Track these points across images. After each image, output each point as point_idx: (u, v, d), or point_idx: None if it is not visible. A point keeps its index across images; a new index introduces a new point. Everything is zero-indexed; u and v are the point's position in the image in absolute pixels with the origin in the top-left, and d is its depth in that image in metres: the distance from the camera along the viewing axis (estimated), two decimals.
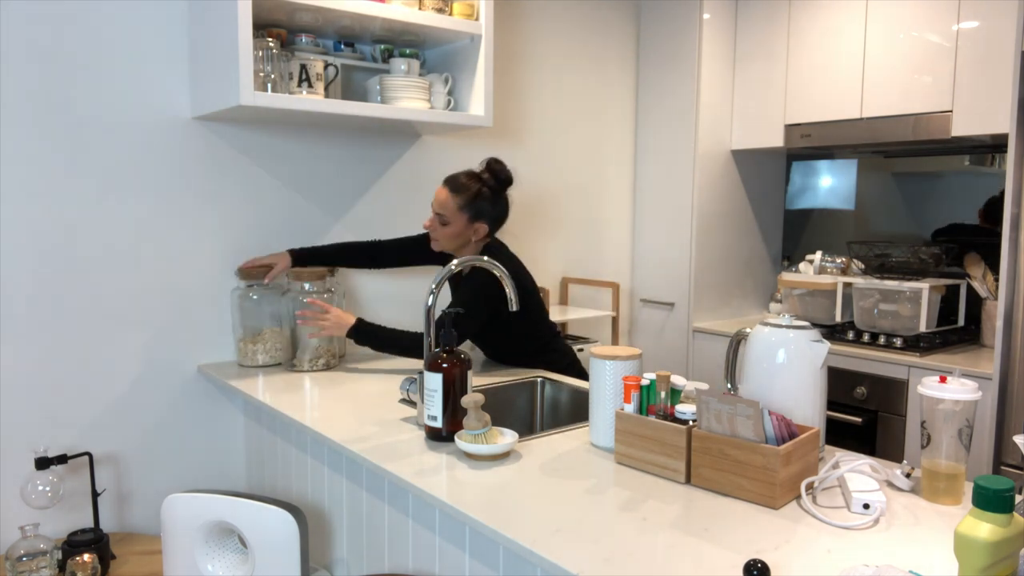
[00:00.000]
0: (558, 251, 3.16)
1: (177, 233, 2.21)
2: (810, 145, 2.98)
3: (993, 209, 2.84)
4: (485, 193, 2.15)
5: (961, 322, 2.71)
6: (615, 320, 3.05)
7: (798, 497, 1.27)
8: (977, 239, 2.84)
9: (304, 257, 2.29)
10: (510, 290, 1.76)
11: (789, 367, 1.38)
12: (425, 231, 2.23)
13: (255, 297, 2.24)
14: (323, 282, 2.26)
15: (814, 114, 2.92)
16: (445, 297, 2.79)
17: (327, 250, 2.34)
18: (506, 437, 1.51)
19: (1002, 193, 2.83)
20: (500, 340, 2.29)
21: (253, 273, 2.25)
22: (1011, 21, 2.36)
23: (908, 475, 1.32)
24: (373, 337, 2.09)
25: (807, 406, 1.38)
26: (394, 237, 2.48)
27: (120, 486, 2.17)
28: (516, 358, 2.30)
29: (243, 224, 2.33)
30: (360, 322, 2.09)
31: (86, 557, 1.73)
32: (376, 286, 2.63)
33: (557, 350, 2.30)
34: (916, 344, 2.58)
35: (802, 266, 2.96)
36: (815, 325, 2.85)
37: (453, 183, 2.15)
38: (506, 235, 3.01)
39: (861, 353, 2.59)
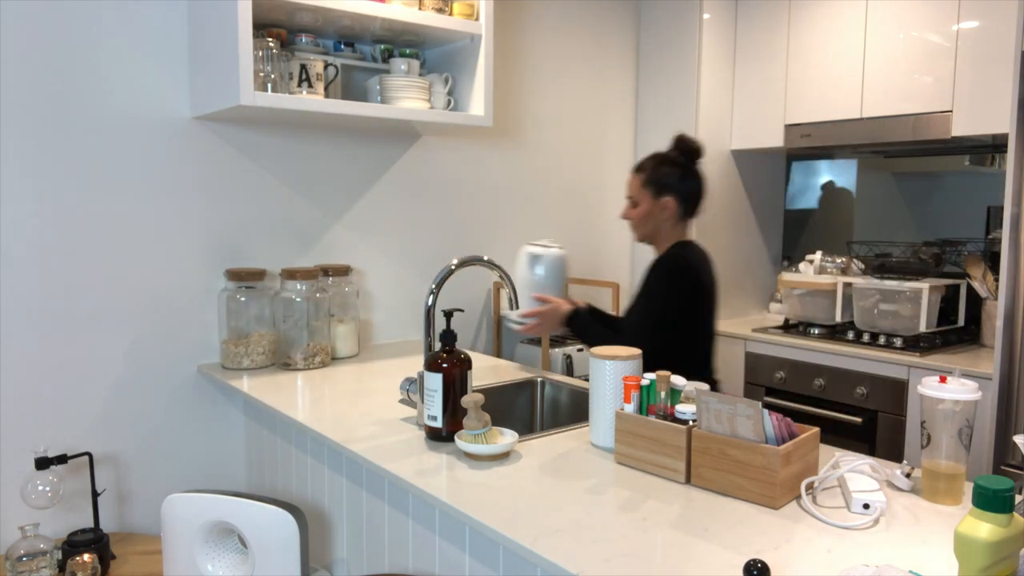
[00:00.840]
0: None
1: (177, 233, 2.21)
2: (810, 145, 2.98)
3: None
4: (667, 165, 2.03)
5: (961, 322, 2.71)
6: None
7: (798, 497, 1.27)
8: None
9: (582, 321, 2.07)
10: (509, 290, 1.76)
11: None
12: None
13: (242, 299, 2.22)
14: (316, 282, 2.27)
15: (814, 114, 2.92)
16: (446, 297, 2.79)
17: (607, 319, 2.18)
18: (506, 437, 1.51)
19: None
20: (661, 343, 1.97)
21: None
22: (1011, 21, 2.36)
23: (908, 475, 1.32)
24: (586, 332, 2.01)
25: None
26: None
27: (120, 486, 2.17)
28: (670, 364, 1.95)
29: (243, 224, 2.33)
30: (574, 312, 2.02)
31: (86, 557, 1.73)
32: (387, 287, 2.63)
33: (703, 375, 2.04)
34: (916, 344, 2.58)
35: (802, 266, 2.96)
36: (815, 325, 2.86)
37: (637, 165, 2.07)
38: (506, 232, 3.01)
39: (861, 353, 2.59)
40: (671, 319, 1.95)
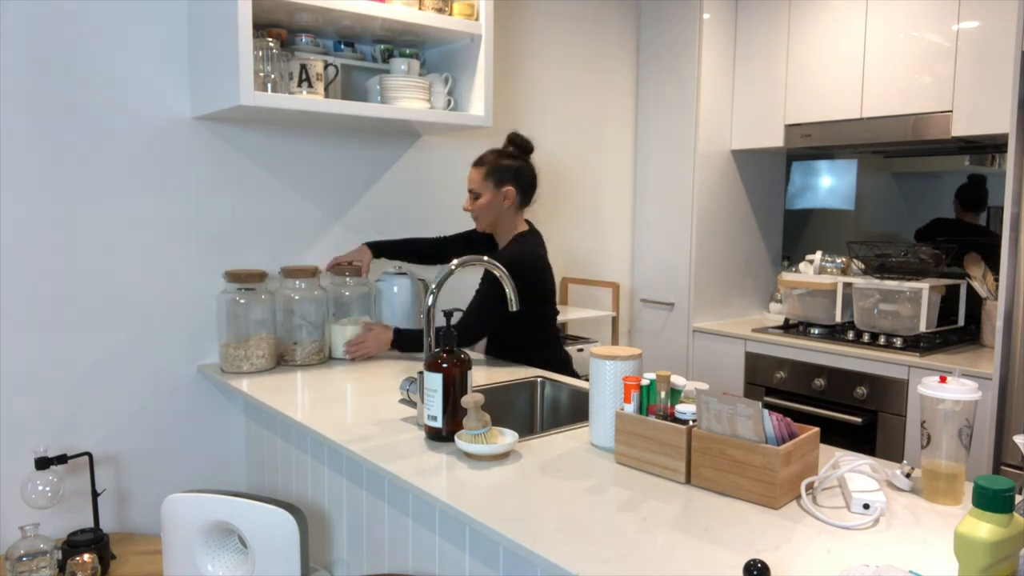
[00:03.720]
0: (558, 251, 3.16)
1: (178, 233, 2.21)
2: (810, 145, 2.98)
3: (968, 199, 2.86)
4: (505, 160, 2.23)
5: (961, 322, 2.71)
6: (615, 320, 3.05)
7: (798, 497, 1.27)
8: (962, 235, 2.85)
9: (380, 249, 2.43)
10: (509, 290, 1.76)
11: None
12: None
13: (242, 301, 2.21)
14: (315, 279, 2.27)
15: (814, 114, 2.92)
16: (446, 297, 2.79)
17: (398, 244, 2.47)
18: (506, 437, 1.51)
19: (970, 179, 2.86)
20: (502, 329, 2.30)
21: (340, 271, 2.35)
22: (1011, 21, 2.36)
23: (908, 475, 1.32)
24: (414, 342, 2.27)
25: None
26: (457, 232, 2.58)
27: (120, 486, 2.17)
28: (510, 352, 2.33)
29: (244, 224, 2.33)
30: (397, 333, 2.26)
31: (86, 557, 1.73)
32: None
33: (552, 350, 2.32)
34: (916, 344, 2.58)
35: (802, 266, 2.96)
36: (815, 325, 2.86)
37: (477, 159, 2.26)
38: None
39: (861, 353, 2.59)
40: (500, 319, 2.15)
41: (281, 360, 2.26)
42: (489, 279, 2.18)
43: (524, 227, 2.30)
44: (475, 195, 2.24)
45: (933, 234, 2.98)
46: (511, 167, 2.23)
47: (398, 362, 2.35)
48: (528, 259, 2.19)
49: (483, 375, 2.16)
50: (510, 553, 1.25)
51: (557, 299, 3.18)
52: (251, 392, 1.97)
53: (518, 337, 2.29)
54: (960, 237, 2.87)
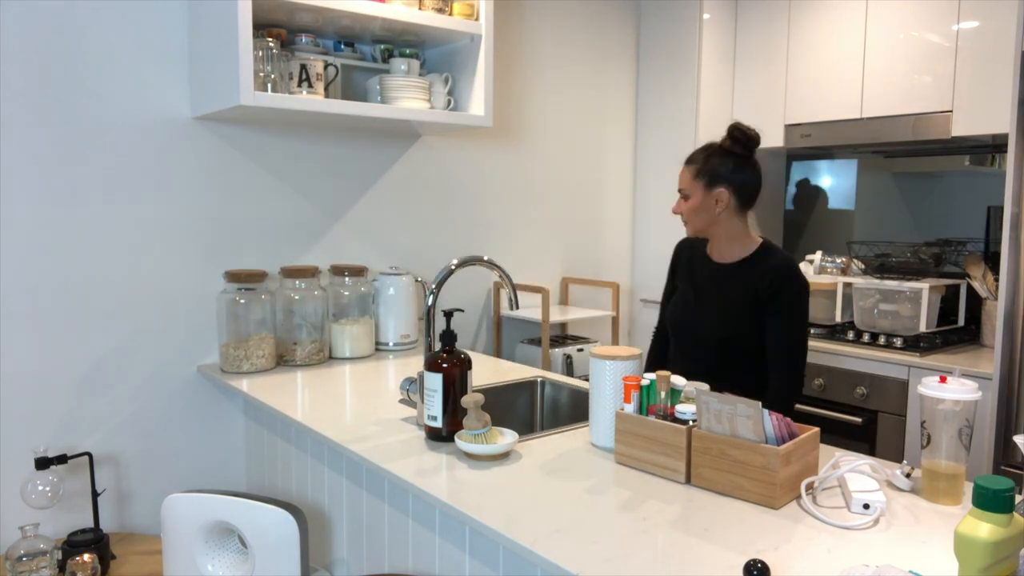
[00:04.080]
0: (558, 251, 3.16)
1: (177, 233, 2.21)
2: (810, 145, 2.98)
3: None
4: (719, 155, 1.89)
5: (961, 322, 2.71)
6: (615, 320, 3.05)
7: (798, 497, 1.27)
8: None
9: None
10: (509, 289, 1.76)
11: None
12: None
13: (242, 301, 2.21)
14: (315, 279, 2.27)
15: (814, 114, 2.92)
16: (446, 297, 2.79)
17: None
18: (506, 437, 1.51)
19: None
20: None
21: None
22: (1011, 21, 2.36)
23: (908, 475, 1.32)
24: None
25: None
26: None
27: (120, 486, 2.17)
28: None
29: (244, 224, 2.33)
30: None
31: (86, 557, 1.73)
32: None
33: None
34: (916, 344, 2.58)
35: (802, 266, 2.96)
36: (815, 325, 2.86)
37: (689, 157, 1.94)
38: (506, 232, 3.01)
39: (861, 353, 2.59)
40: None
41: (281, 360, 2.26)
42: (796, 291, 1.81)
43: (753, 233, 1.97)
44: (684, 195, 1.91)
45: None
46: (728, 166, 1.87)
47: (398, 362, 2.35)
48: (800, 274, 1.85)
49: (483, 375, 2.16)
50: (510, 553, 1.25)
51: (558, 299, 3.18)
52: (251, 392, 1.97)
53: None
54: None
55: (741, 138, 1.89)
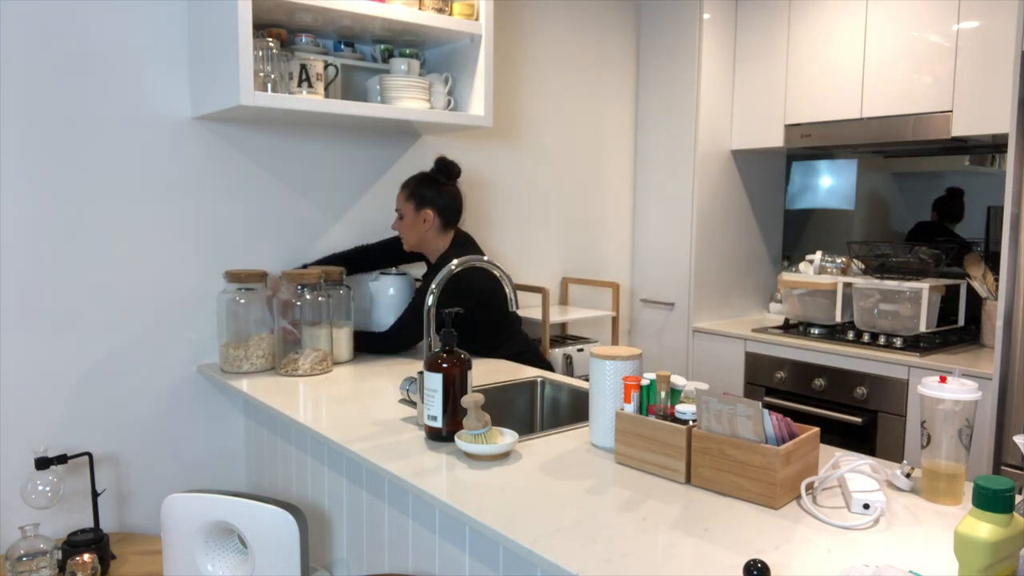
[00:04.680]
0: (558, 251, 3.16)
1: (178, 232, 2.21)
2: (810, 145, 2.98)
3: (945, 208, 2.90)
4: (425, 183, 2.32)
5: (961, 322, 2.71)
6: (615, 320, 3.05)
7: (798, 497, 1.27)
8: (938, 237, 2.88)
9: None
10: (509, 290, 1.76)
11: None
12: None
13: (242, 301, 2.20)
14: (317, 285, 2.26)
15: (814, 114, 2.92)
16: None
17: (329, 260, 2.47)
18: (506, 437, 1.51)
19: (948, 192, 2.88)
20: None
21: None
22: (1011, 21, 2.36)
23: (908, 475, 1.32)
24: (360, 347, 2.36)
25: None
26: (377, 241, 2.58)
27: (120, 486, 2.17)
28: (473, 349, 2.35)
29: (243, 224, 2.33)
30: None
31: (86, 557, 1.73)
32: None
33: (514, 342, 2.41)
34: (916, 344, 2.58)
35: (802, 266, 2.96)
36: (815, 325, 2.86)
37: (404, 183, 2.36)
38: (506, 232, 3.01)
39: (861, 353, 2.59)
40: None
41: (281, 373, 2.20)
42: (422, 291, 2.30)
43: (445, 246, 2.35)
44: (399, 215, 2.34)
45: (918, 238, 3.01)
46: (432, 191, 2.31)
47: (398, 362, 2.35)
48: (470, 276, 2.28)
49: (483, 375, 2.16)
50: (510, 553, 1.25)
51: (558, 299, 3.18)
52: (251, 392, 1.97)
53: (480, 343, 2.36)
54: (941, 242, 2.89)
55: (444, 168, 2.36)
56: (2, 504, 1.99)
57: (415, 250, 2.39)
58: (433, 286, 1.68)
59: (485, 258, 1.76)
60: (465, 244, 2.37)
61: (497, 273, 1.76)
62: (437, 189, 2.32)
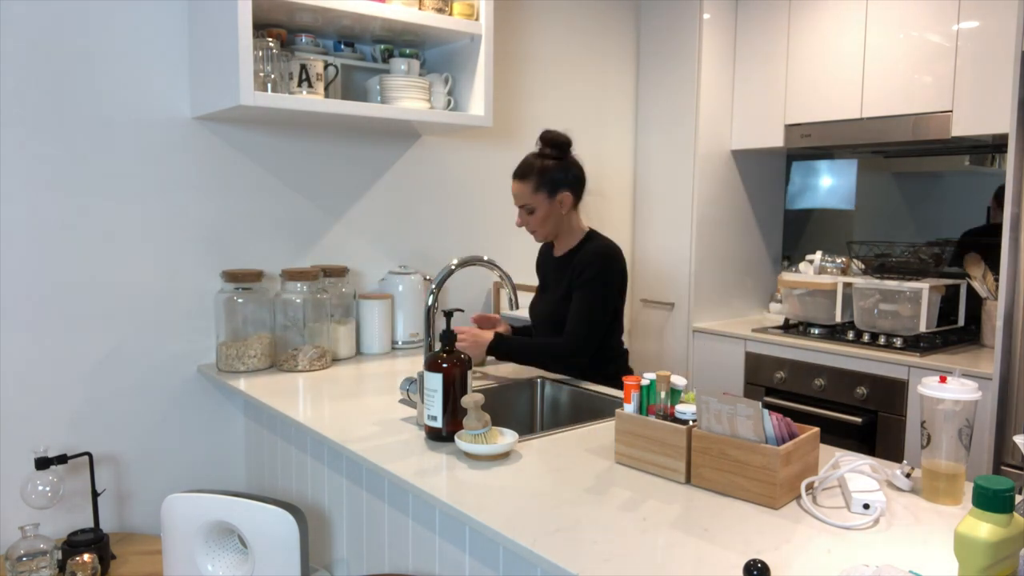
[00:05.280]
0: None
1: (178, 233, 2.21)
2: (810, 145, 2.98)
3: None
4: (549, 164, 2.09)
5: (961, 322, 2.71)
6: None
7: (798, 497, 1.27)
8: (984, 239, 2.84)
9: (508, 351, 2.10)
10: (509, 289, 1.76)
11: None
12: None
13: (240, 301, 2.20)
14: (316, 282, 2.26)
15: (814, 114, 2.92)
16: (446, 297, 2.79)
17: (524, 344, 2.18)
18: (506, 437, 1.51)
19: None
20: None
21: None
22: (1011, 21, 2.36)
23: (908, 475, 1.32)
24: (513, 352, 2.10)
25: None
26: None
27: (120, 486, 2.17)
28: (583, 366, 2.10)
29: (243, 224, 2.33)
30: (497, 338, 2.06)
31: (86, 557, 1.73)
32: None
33: (619, 365, 2.18)
34: (916, 344, 2.58)
35: (802, 266, 2.96)
36: (815, 325, 2.86)
37: (518, 171, 2.12)
38: (506, 232, 3.01)
39: (861, 353, 2.59)
40: (611, 309, 2.07)
41: (281, 368, 2.23)
42: (600, 266, 2.04)
43: (583, 226, 2.18)
44: (529, 209, 2.10)
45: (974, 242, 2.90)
46: (560, 171, 2.09)
47: (398, 362, 2.35)
48: (617, 250, 2.11)
49: (483, 375, 2.16)
50: (510, 553, 1.25)
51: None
52: (249, 392, 1.97)
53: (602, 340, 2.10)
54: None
55: (555, 142, 2.11)
56: (2, 504, 1.99)
57: (550, 240, 2.20)
58: (433, 286, 1.68)
59: (485, 258, 1.76)
60: (594, 239, 2.15)
61: (498, 274, 1.76)
62: (561, 167, 2.09)
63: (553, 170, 2.08)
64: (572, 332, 2.03)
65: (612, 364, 2.13)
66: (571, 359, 2.05)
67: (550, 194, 2.08)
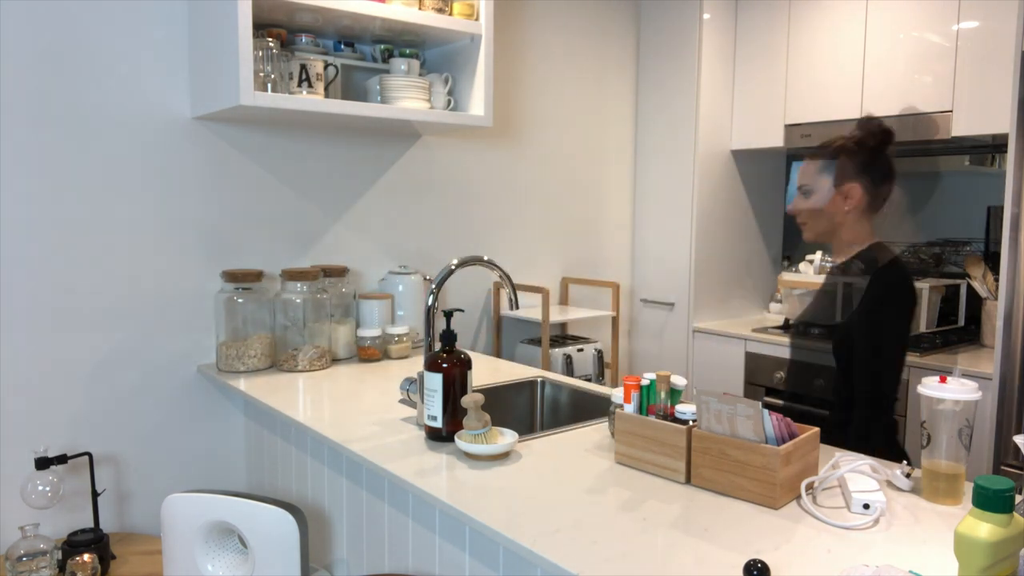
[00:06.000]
0: (558, 251, 3.16)
1: (178, 233, 2.21)
2: (810, 145, 2.98)
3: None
4: (850, 147, 1.73)
5: (961, 322, 2.71)
6: (615, 320, 3.05)
7: (798, 497, 1.27)
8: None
9: None
10: (509, 289, 1.76)
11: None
12: None
13: (240, 301, 2.20)
14: (316, 282, 2.26)
15: (814, 114, 2.92)
16: (446, 297, 2.79)
17: None
18: (506, 437, 1.51)
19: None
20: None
21: None
22: (1011, 21, 2.36)
23: (908, 475, 1.32)
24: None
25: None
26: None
27: (120, 486, 2.17)
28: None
29: (243, 224, 2.33)
30: None
31: (86, 557, 1.73)
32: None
33: (889, 418, 1.73)
34: (916, 344, 2.58)
35: (802, 266, 2.96)
36: (815, 325, 2.86)
37: (813, 154, 1.79)
38: (506, 232, 3.00)
39: None
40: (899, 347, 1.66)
41: (281, 368, 2.23)
42: (887, 283, 1.65)
43: (867, 236, 1.78)
44: (804, 191, 1.78)
45: None
46: (860, 158, 1.72)
47: (398, 362, 2.35)
48: (907, 272, 1.70)
49: (483, 375, 2.16)
50: (510, 553, 1.25)
51: (558, 299, 3.18)
52: (249, 392, 1.97)
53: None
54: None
55: (875, 131, 1.73)
56: (2, 504, 1.99)
57: (819, 240, 1.82)
58: (433, 286, 1.67)
59: (485, 258, 1.76)
60: (882, 245, 1.76)
61: (498, 274, 1.75)
62: (867, 157, 1.71)
63: (853, 156, 1.72)
64: (871, 387, 1.67)
65: (880, 420, 1.71)
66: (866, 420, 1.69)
67: (837, 181, 1.71)
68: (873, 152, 1.73)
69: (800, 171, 1.78)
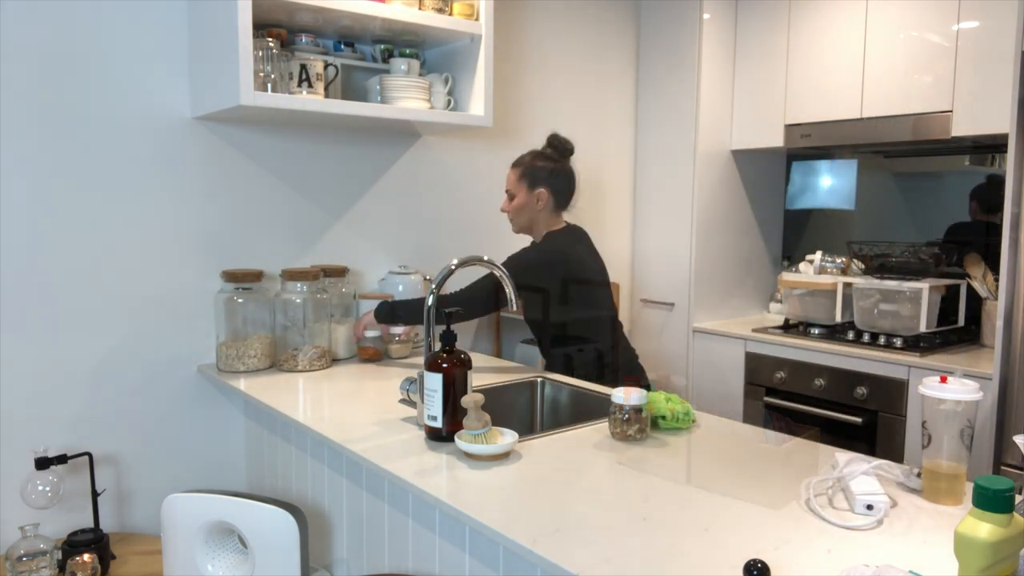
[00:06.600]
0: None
1: (177, 233, 2.21)
2: (810, 145, 2.98)
3: (984, 198, 2.84)
4: (540, 162, 2.23)
5: (961, 322, 2.71)
6: None
7: (798, 497, 1.27)
8: (978, 238, 2.84)
9: (394, 312, 2.20)
10: (509, 290, 1.76)
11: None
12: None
13: (240, 301, 2.20)
14: (317, 282, 2.26)
15: (814, 114, 2.92)
16: None
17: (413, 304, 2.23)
18: (506, 437, 1.51)
19: (989, 179, 2.84)
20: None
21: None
22: (1011, 21, 2.36)
23: (919, 475, 1.31)
24: (389, 313, 2.18)
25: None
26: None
27: (120, 486, 2.17)
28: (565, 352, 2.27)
29: (244, 224, 2.33)
30: (382, 304, 2.19)
31: (86, 557, 1.73)
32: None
33: (615, 353, 2.28)
34: (916, 344, 2.58)
35: (802, 266, 2.96)
36: (815, 325, 2.86)
37: (515, 161, 2.27)
38: (506, 232, 3.01)
39: (861, 353, 2.59)
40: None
41: (281, 368, 2.23)
42: (539, 250, 2.22)
43: (558, 226, 2.27)
44: (509, 196, 2.25)
45: (955, 239, 2.91)
46: (547, 170, 2.22)
47: (398, 362, 2.35)
48: (535, 257, 2.19)
49: (483, 375, 2.16)
50: (510, 553, 1.25)
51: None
52: (249, 392, 1.97)
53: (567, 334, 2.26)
54: (986, 239, 2.83)
55: (558, 146, 2.26)
56: (2, 504, 1.99)
57: (523, 233, 2.31)
58: (433, 285, 1.67)
59: (485, 258, 1.76)
60: (576, 232, 2.30)
61: (497, 273, 1.76)
62: (552, 167, 2.23)
63: (541, 167, 2.22)
64: (457, 296, 2.16)
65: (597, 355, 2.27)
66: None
67: (530, 186, 2.21)
68: (556, 163, 2.24)
69: (507, 179, 2.27)
